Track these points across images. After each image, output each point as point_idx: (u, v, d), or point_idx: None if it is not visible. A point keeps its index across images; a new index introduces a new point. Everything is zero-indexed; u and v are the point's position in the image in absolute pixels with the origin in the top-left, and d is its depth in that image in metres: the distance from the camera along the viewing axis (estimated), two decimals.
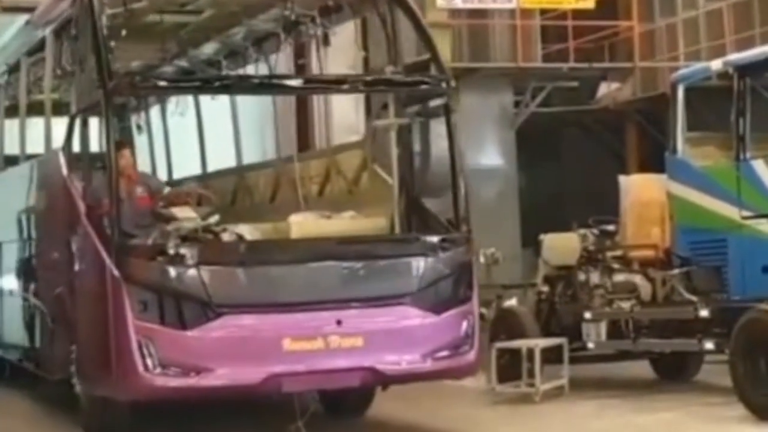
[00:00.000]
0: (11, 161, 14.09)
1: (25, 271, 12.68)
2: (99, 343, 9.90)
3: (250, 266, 9.83)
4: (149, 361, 9.44)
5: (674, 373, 13.37)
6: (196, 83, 12.20)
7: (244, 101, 15.17)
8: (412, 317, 10.08)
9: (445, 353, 10.11)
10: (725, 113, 11.92)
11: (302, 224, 10.98)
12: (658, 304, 12.50)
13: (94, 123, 10.45)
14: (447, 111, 10.62)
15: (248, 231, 10.61)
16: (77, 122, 10.67)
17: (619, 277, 12.92)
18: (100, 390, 10.25)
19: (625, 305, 12.56)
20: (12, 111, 14.36)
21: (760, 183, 11.46)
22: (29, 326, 12.49)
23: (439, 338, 10.11)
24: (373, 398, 11.28)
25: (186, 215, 10.72)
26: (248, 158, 15.02)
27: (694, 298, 11.93)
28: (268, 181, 13.75)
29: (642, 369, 13.58)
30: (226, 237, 10.44)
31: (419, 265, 10.16)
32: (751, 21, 21.72)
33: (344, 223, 11.11)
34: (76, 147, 10.79)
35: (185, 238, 10.03)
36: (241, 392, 9.92)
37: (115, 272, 9.57)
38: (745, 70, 11.88)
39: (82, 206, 10.36)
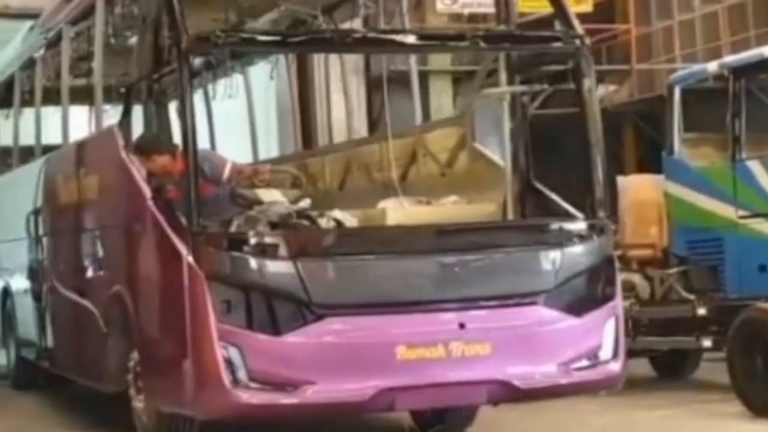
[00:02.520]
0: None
1: (69, 269, 11.08)
2: (171, 351, 8.29)
3: (356, 258, 8.15)
4: (236, 373, 7.78)
5: (673, 371, 13.32)
6: (291, 38, 9.59)
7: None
8: (548, 320, 8.38)
9: (585, 363, 8.50)
10: (721, 114, 11.90)
11: (399, 211, 9.27)
12: (657, 303, 12.45)
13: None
14: (579, 76, 8.84)
15: (341, 218, 8.92)
16: (139, 92, 9.11)
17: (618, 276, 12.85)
18: (170, 406, 8.56)
19: (624, 304, 12.49)
20: (50, 95, 12.70)
21: (756, 183, 11.44)
22: (73, 331, 10.96)
23: (579, 345, 8.47)
24: (476, 415, 9.76)
25: (272, 198, 8.96)
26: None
27: (691, 296, 11.90)
28: (336, 167, 11.84)
29: (641, 367, 13.51)
30: (324, 223, 8.69)
31: (555, 257, 8.43)
32: (746, 23, 21.67)
33: (447, 210, 9.34)
34: (135, 122, 9.29)
35: (276, 225, 8.37)
36: (346, 410, 8.35)
37: (194, 266, 7.89)
38: (740, 72, 11.87)
39: (146, 190, 8.69)
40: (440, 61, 23.28)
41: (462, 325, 8.11)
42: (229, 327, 7.78)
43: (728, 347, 10.84)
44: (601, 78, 23.92)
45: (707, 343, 11.51)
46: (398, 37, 9.21)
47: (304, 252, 7.99)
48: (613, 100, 23.78)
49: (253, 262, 7.88)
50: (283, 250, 7.93)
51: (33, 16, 13.62)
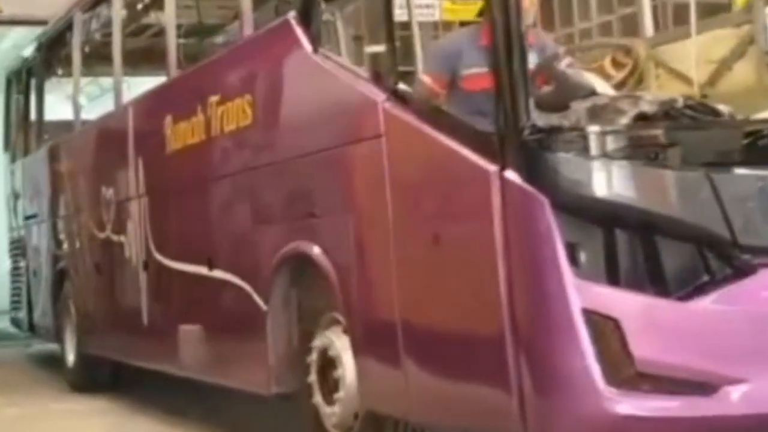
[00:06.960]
0: None
1: (186, 234, 7.69)
2: (452, 331, 4.68)
3: None
4: (611, 366, 4.13)
5: None
6: None
7: None
8: None
9: None
10: None
11: None
12: None
13: None
14: None
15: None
16: None
17: None
18: (443, 420, 4.91)
19: None
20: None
21: None
22: (195, 315, 7.45)
23: None
24: None
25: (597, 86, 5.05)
26: None
27: None
28: None
29: None
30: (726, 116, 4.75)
31: None
32: (636, 31, 22.36)
33: None
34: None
35: (651, 118, 4.50)
36: None
37: (525, 187, 4.22)
38: None
39: (375, 91, 5.26)
40: None
41: None
42: (596, 288, 4.20)
43: None
44: None
45: None
46: None
47: (722, 161, 4.39)
48: None
49: (638, 178, 4.26)
50: (687, 157, 4.31)
51: (23, 22, 13.46)
